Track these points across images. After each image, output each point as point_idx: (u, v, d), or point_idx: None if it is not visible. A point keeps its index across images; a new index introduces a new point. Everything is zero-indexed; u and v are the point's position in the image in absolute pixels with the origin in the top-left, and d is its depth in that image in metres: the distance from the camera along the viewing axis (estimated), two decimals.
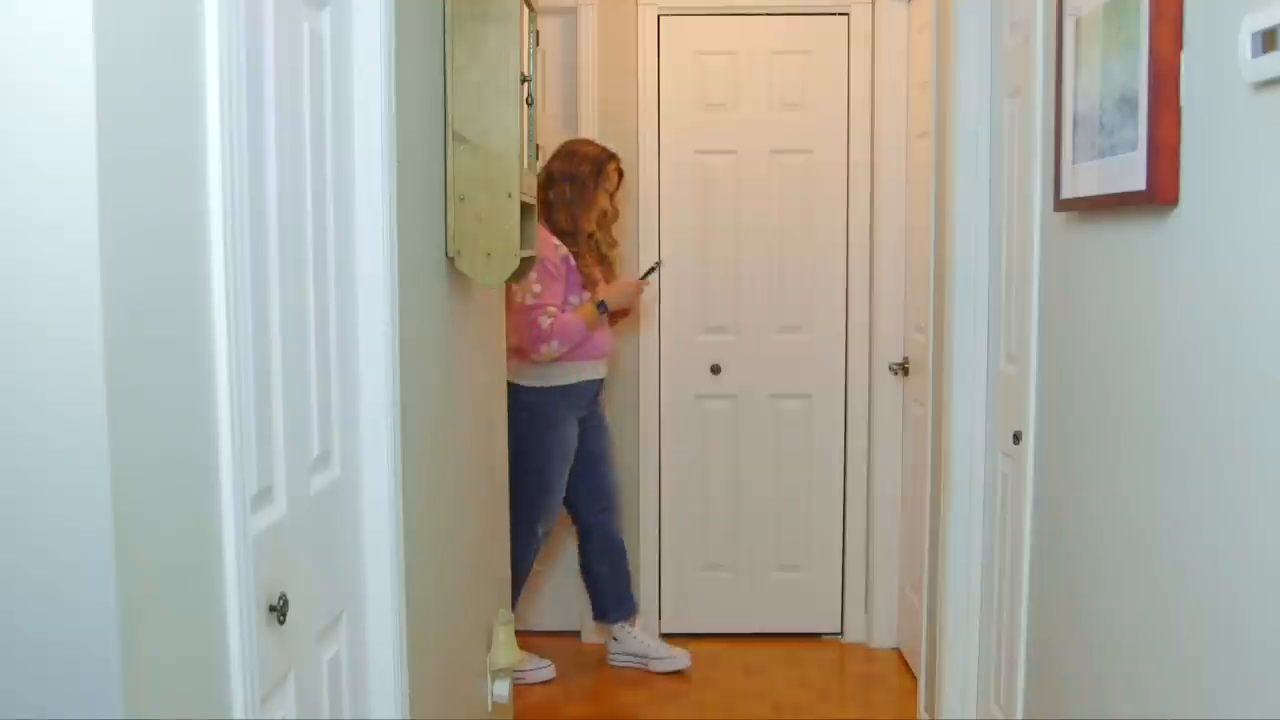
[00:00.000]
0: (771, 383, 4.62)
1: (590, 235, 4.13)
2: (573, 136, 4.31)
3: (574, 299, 4.06)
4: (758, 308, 4.58)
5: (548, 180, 4.08)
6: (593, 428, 4.27)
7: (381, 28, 2.10)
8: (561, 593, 4.65)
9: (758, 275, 4.57)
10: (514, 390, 4.04)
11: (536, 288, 3.96)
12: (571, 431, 4.15)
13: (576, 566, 4.60)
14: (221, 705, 1.46)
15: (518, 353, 4.00)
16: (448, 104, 2.58)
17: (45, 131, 1.15)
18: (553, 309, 3.98)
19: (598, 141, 4.24)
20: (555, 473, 4.14)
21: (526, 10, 2.75)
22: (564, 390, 4.10)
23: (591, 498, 4.28)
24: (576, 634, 4.65)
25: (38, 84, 1.14)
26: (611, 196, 4.16)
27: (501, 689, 3.14)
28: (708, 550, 4.66)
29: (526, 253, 2.77)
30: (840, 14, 4.48)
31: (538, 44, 2.97)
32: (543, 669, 4.21)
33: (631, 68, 4.51)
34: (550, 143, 4.51)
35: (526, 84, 2.71)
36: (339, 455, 2.02)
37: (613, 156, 4.15)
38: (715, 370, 4.58)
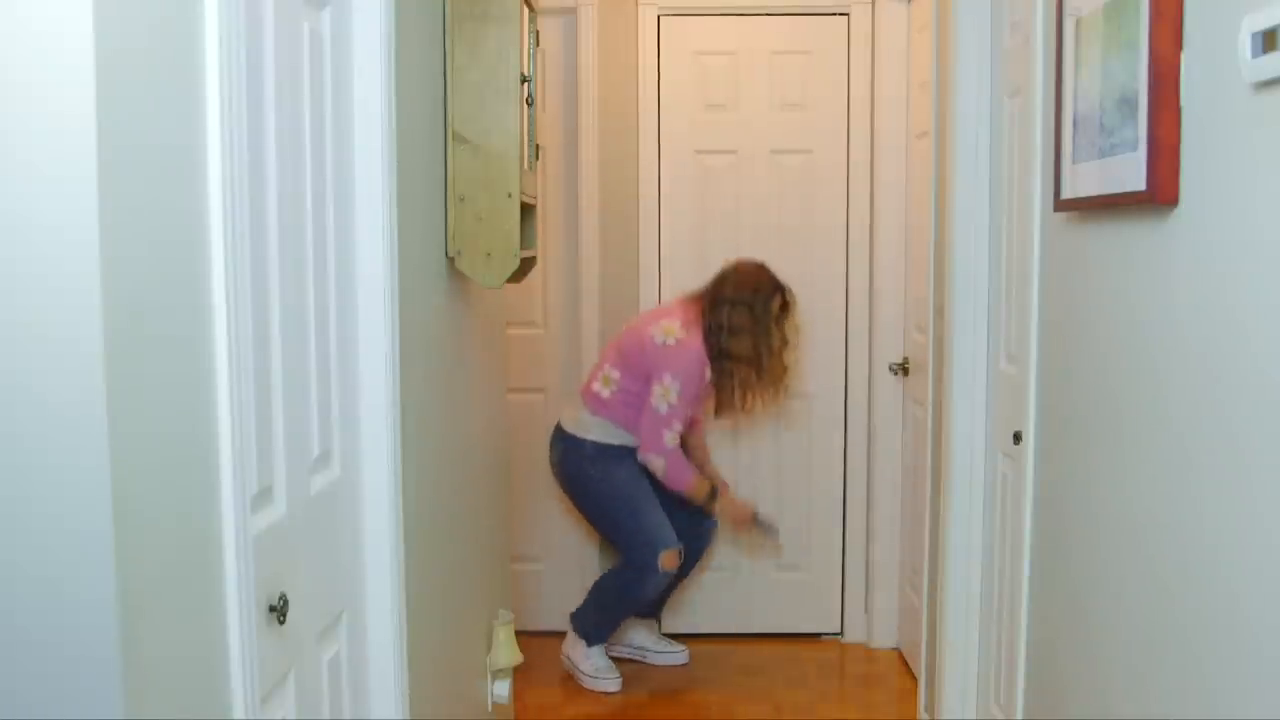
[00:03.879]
0: None
1: (758, 362, 3.96)
2: (741, 260, 4.10)
3: (690, 410, 3.99)
4: None
5: (715, 303, 3.95)
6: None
7: (381, 28, 2.10)
8: (562, 592, 4.65)
9: None
10: (576, 442, 4.06)
11: (674, 399, 3.90)
12: (638, 476, 4.08)
13: (578, 566, 4.61)
14: (221, 705, 1.46)
15: (594, 399, 4.01)
16: (448, 104, 2.58)
17: (45, 131, 1.15)
18: (679, 426, 3.93)
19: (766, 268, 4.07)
20: (643, 495, 4.05)
21: (526, 10, 2.75)
22: (627, 449, 4.07)
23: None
24: None
25: (38, 84, 1.14)
26: (780, 325, 4.02)
27: (501, 689, 3.14)
28: (707, 550, 4.66)
29: (527, 253, 2.77)
30: (840, 14, 4.48)
31: (538, 44, 2.97)
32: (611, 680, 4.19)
33: (631, 68, 4.51)
34: (550, 143, 4.52)
35: (526, 84, 2.71)
36: (339, 455, 2.02)
37: (781, 288, 4.02)
38: None
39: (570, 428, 4.08)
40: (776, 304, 3.99)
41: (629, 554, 4.07)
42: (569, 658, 4.26)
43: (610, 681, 4.16)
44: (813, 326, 4.59)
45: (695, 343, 3.91)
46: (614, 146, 4.51)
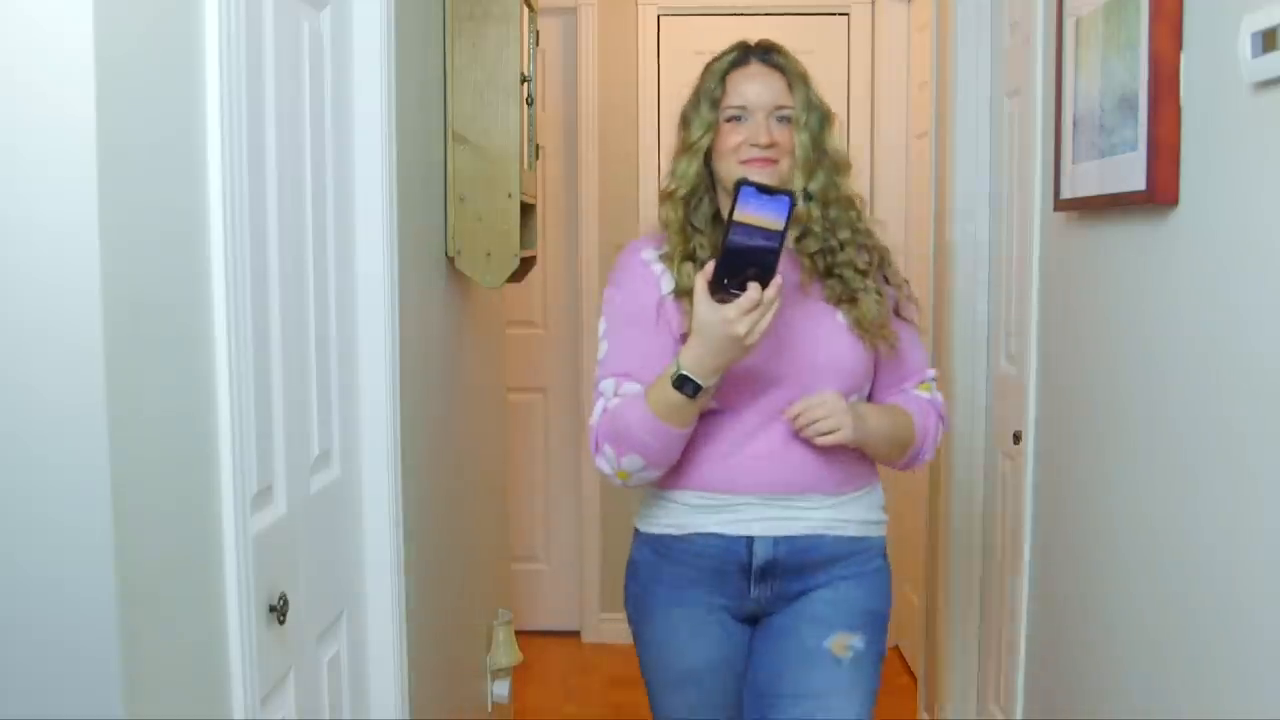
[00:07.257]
0: None
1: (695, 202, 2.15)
2: None
3: (632, 350, 2.04)
4: None
5: None
6: (770, 630, 2.03)
7: (381, 28, 2.10)
8: (561, 593, 4.65)
9: None
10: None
11: (602, 345, 2.06)
12: (685, 624, 2.05)
13: (578, 566, 4.60)
14: (221, 705, 1.46)
15: None
16: (448, 104, 2.58)
17: (45, 131, 1.15)
18: (610, 382, 2.00)
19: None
20: (660, 689, 2.10)
21: (526, 10, 2.75)
22: (656, 545, 2.06)
23: None
24: (576, 634, 4.64)
25: (38, 84, 1.14)
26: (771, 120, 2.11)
27: (501, 689, 3.14)
28: None
29: (527, 253, 2.77)
30: (840, 14, 4.48)
31: (538, 44, 2.97)
32: None
33: (631, 68, 4.50)
34: (550, 143, 4.51)
35: (526, 84, 2.71)
36: (339, 455, 2.02)
37: (738, 46, 2.29)
38: None
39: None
40: (722, 76, 2.27)
41: None
42: None
43: None
44: None
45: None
46: (614, 146, 4.51)
